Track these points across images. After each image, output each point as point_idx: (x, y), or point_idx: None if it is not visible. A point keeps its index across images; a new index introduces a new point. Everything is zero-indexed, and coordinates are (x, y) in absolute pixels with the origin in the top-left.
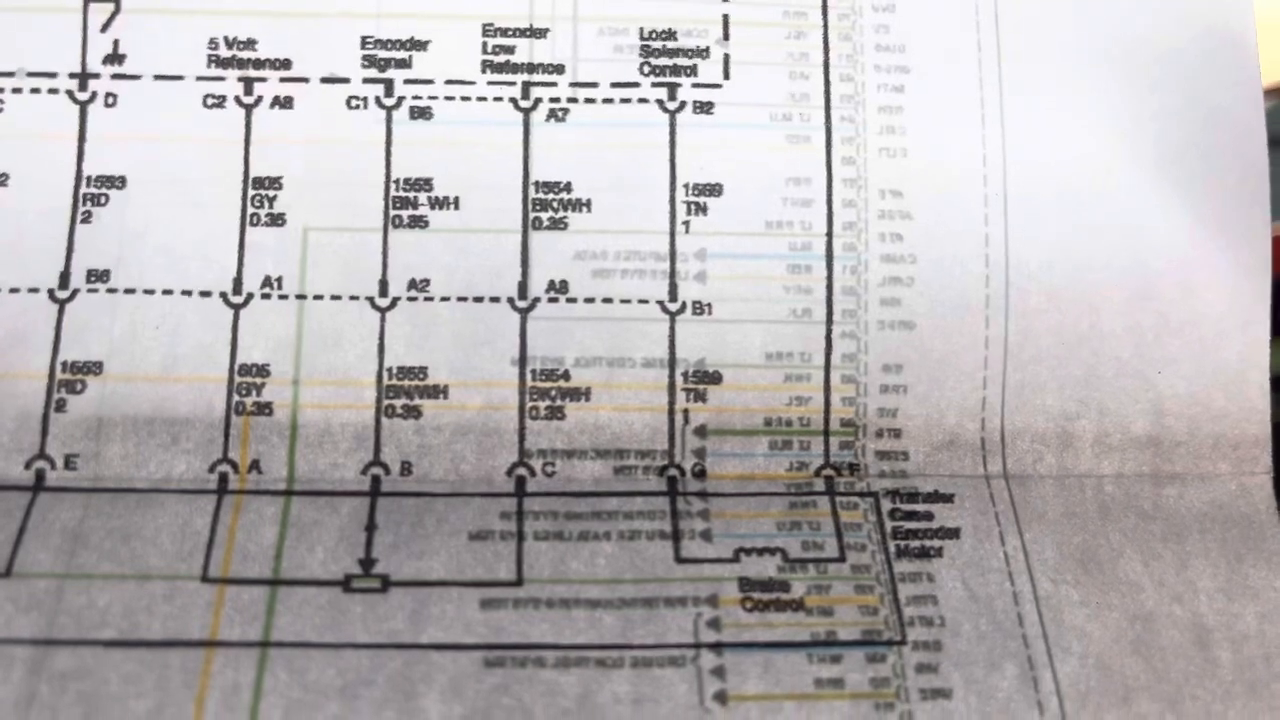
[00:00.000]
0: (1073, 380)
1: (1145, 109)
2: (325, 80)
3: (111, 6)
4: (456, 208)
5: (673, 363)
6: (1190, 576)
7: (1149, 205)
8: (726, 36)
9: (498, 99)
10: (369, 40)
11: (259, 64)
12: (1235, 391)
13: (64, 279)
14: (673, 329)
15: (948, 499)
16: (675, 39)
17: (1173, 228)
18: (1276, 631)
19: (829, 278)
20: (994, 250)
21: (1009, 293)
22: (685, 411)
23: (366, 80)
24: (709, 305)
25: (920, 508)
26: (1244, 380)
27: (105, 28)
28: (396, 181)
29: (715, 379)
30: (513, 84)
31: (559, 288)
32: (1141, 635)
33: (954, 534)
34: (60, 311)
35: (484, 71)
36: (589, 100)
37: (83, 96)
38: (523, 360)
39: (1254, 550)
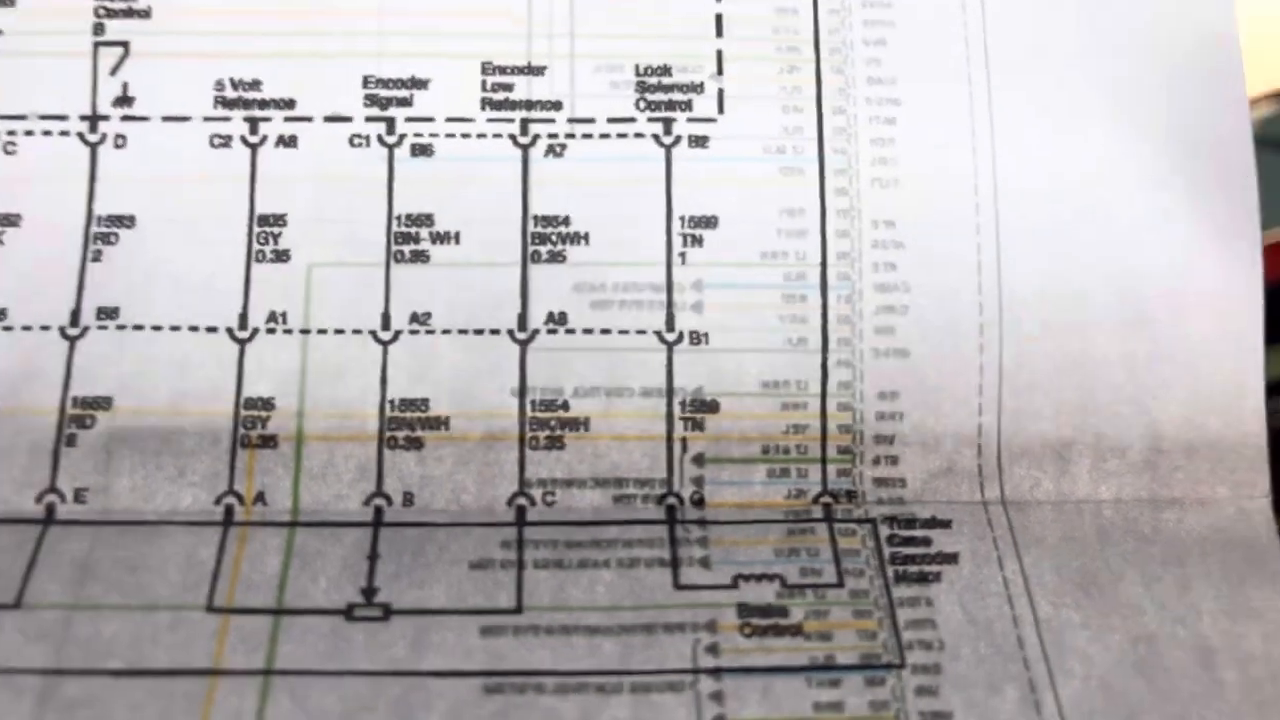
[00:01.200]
0: (1068, 406)
1: (1134, 139)
2: (328, 119)
3: (121, 50)
4: (457, 242)
5: (670, 392)
6: (1192, 599)
7: (1140, 233)
8: (720, 72)
9: (497, 135)
10: (370, 79)
11: (264, 104)
12: (1230, 416)
13: (74, 316)
14: (670, 359)
15: (945, 525)
16: (670, 75)
17: (1163, 255)
18: None
19: (824, 307)
20: (986, 278)
21: (1002, 320)
22: (683, 440)
23: (369, 119)
24: (706, 335)
25: (918, 533)
26: (1239, 405)
27: (115, 71)
28: (398, 217)
29: (713, 408)
30: (511, 121)
31: (558, 319)
32: (1145, 657)
33: (952, 559)
34: (71, 348)
35: (483, 109)
36: (586, 136)
37: (93, 138)
38: (522, 391)
39: (1256, 572)
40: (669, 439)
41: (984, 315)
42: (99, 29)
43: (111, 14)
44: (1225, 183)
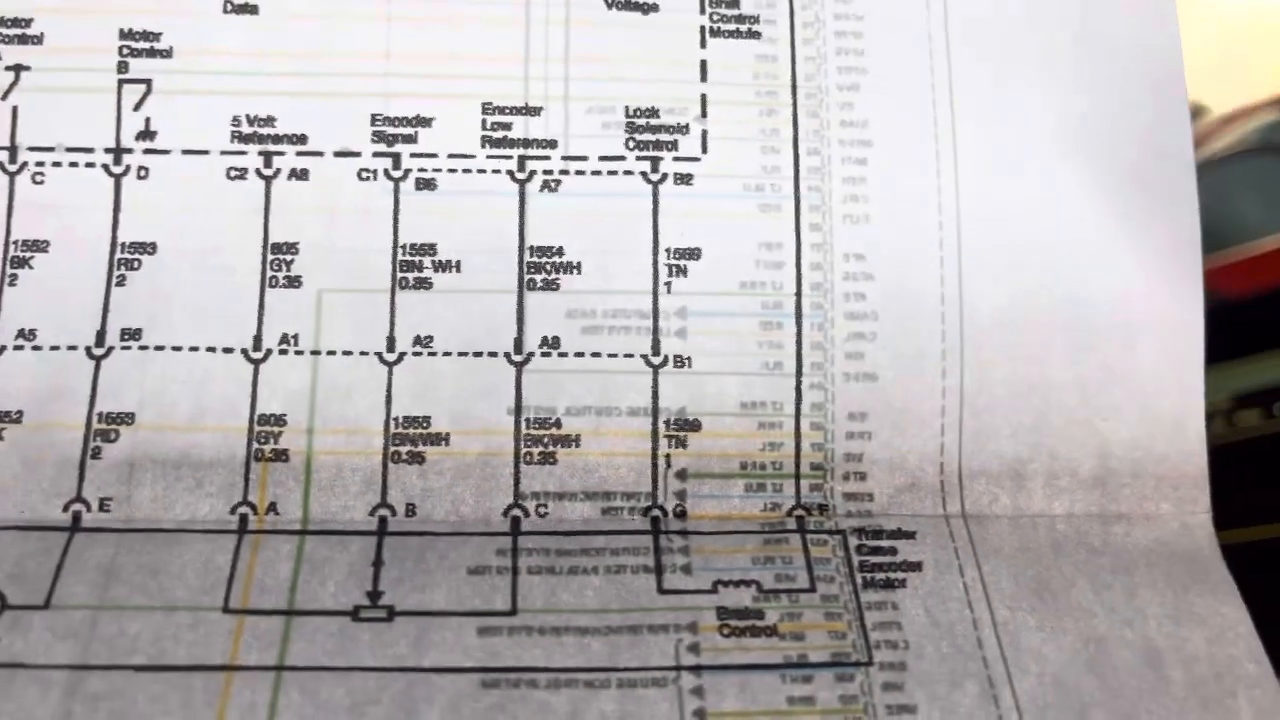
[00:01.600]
0: (1024, 427)
1: (1085, 175)
2: (338, 154)
3: (144, 87)
4: (458, 270)
5: (655, 411)
6: (1139, 604)
7: (1090, 265)
8: (705, 114)
9: (496, 171)
10: (378, 118)
11: (278, 139)
12: (1174, 438)
13: (100, 337)
14: (655, 381)
15: (910, 536)
16: (658, 116)
17: (1112, 286)
18: (1225, 653)
19: (798, 334)
20: (949, 308)
21: (964, 347)
22: (667, 456)
23: (376, 154)
24: (689, 359)
25: (885, 544)
26: (1182, 427)
27: (138, 107)
28: (403, 247)
29: (695, 426)
30: (510, 157)
31: (551, 343)
32: (1095, 656)
33: (916, 567)
34: (96, 367)
35: (483, 146)
36: (579, 172)
37: (117, 170)
38: (518, 410)
39: (1199, 581)
40: (654, 455)
41: (946, 342)
42: (123, 67)
43: (135, 53)
44: (1169, 217)
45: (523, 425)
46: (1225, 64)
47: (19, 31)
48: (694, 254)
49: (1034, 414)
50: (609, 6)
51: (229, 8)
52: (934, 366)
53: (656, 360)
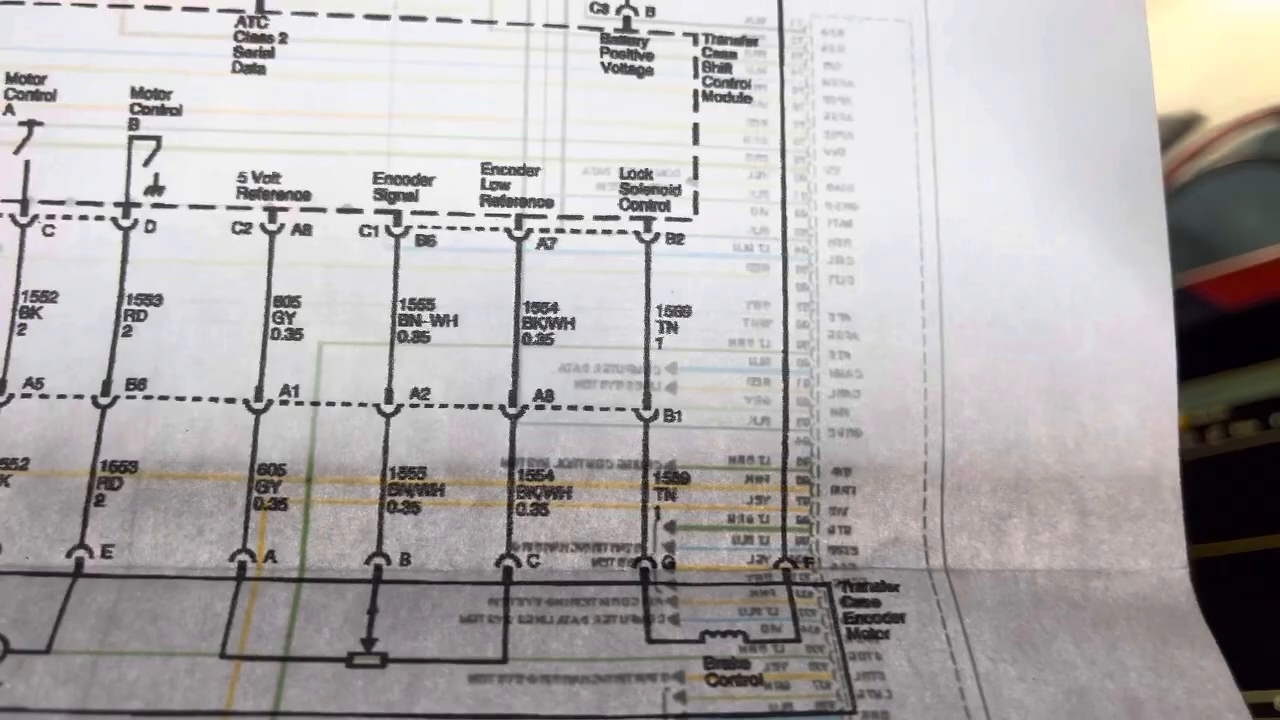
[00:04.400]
0: (1004, 484)
1: (1065, 248)
2: (341, 210)
3: (154, 144)
4: (456, 325)
5: (646, 464)
6: (1120, 656)
7: (1067, 331)
8: (696, 176)
9: (494, 229)
10: (380, 176)
11: (282, 195)
12: (1150, 495)
13: (106, 386)
14: (646, 434)
15: (894, 588)
16: (651, 178)
17: (1088, 350)
18: (1206, 704)
19: (785, 390)
20: (931, 367)
21: (945, 405)
22: (657, 509)
23: (378, 211)
24: (679, 413)
25: (869, 596)
26: (1157, 485)
27: (147, 162)
28: (403, 301)
29: (684, 479)
30: (508, 216)
31: (545, 396)
32: (1077, 707)
33: (899, 619)
34: (102, 416)
35: (482, 205)
36: (575, 231)
37: (125, 223)
38: (512, 462)
39: (1178, 635)
40: (644, 507)
41: (928, 400)
42: (134, 124)
43: (146, 110)
44: (1146, 295)
45: (516, 477)
46: (1224, 75)
47: (33, 88)
48: (685, 311)
49: (1013, 471)
50: (605, 70)
51: (238, 68)
52: (916, 424)
53: (647, 414)
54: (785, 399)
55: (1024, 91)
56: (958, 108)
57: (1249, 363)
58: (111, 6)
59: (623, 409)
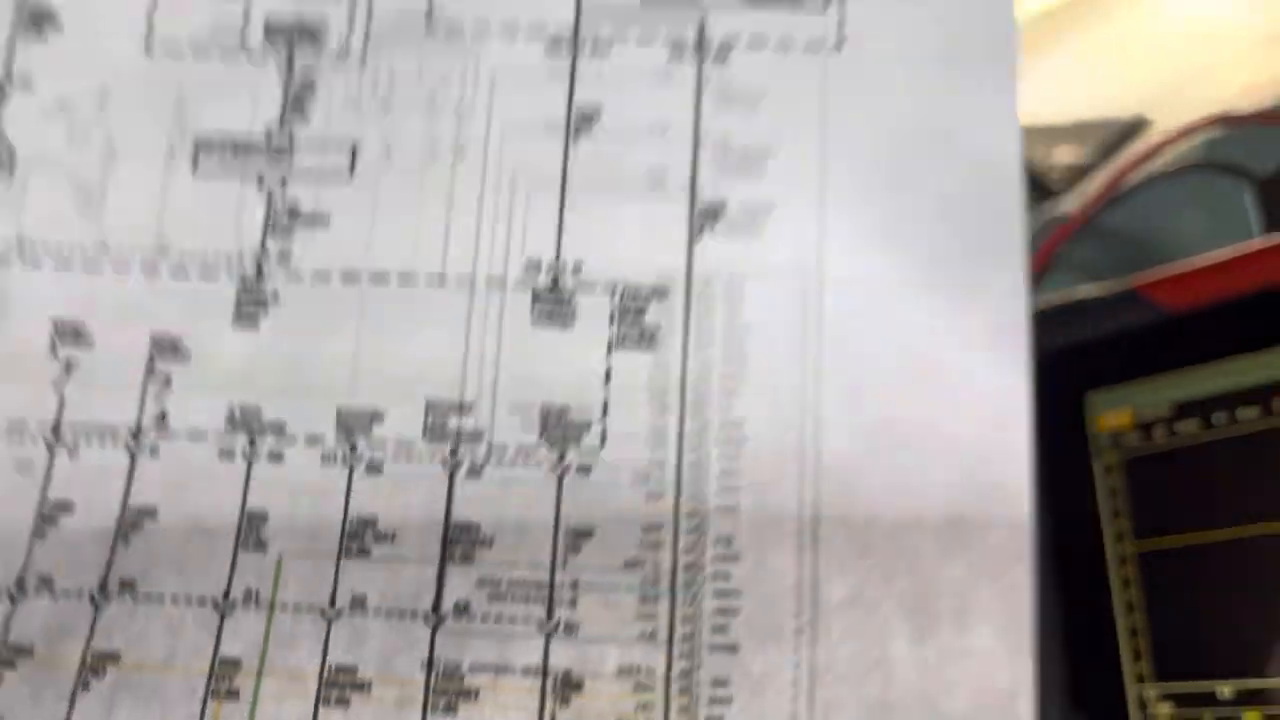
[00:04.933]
0: (870, 699)
1: (944, 495)
2: (308, 439)
3: (164, 383)
4: (393, 542)
5: (545, 671)
6: None
7: (933, 555)
8: (605, 414)
9: (432, 458)
10: (343, 411)
11: (262, 427)
12: (1006, 714)
13: (103, 586)
14: (547, 645)
15: None
16: (568, 414)
17: (954, 577)
18: None
19: (672, 609)
20: (805, 589)
21: (816, 624)
22: (552, 713)
23: (337, 440)
24: (578, 625)
25: None
26: (1014, 704)
27: (157, 398)
28: (351, 520)
29: (578, 686)
30: (445, 446)
31: (463, 608)
32: None
33: None
34: (96, 612)
35: (423, 436)
36: (499, 461)
37: (134, 447)
38: (430, 664)
39: None
40: (540, 712)
41: (800, 619)
42: (151, 366)
43: (161, 354)
44: (1005, 517)
45: (432, 679)
46: (1170, 81)
47: (74, 334)
48: (588, 533)
49: (879, 688)
50: (534, 324)
51: (236, 324)
52: (789, 641)
53: (549, 626)
54: (671, 616)
55: (909, 336)
56: (846, 351)
57: (1193, 363)
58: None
59: (528, 621)
